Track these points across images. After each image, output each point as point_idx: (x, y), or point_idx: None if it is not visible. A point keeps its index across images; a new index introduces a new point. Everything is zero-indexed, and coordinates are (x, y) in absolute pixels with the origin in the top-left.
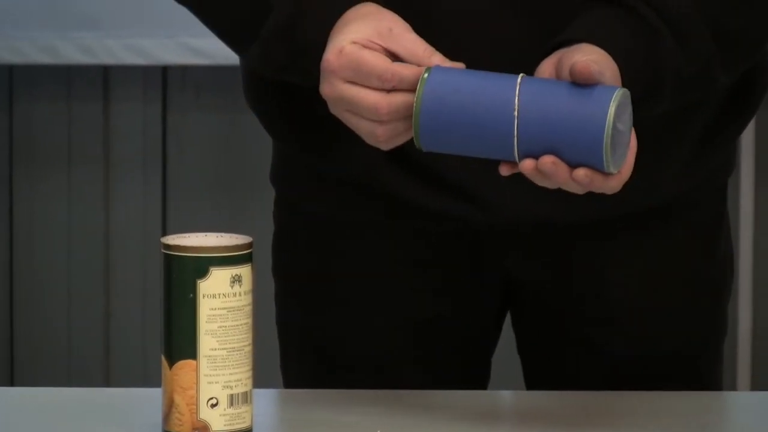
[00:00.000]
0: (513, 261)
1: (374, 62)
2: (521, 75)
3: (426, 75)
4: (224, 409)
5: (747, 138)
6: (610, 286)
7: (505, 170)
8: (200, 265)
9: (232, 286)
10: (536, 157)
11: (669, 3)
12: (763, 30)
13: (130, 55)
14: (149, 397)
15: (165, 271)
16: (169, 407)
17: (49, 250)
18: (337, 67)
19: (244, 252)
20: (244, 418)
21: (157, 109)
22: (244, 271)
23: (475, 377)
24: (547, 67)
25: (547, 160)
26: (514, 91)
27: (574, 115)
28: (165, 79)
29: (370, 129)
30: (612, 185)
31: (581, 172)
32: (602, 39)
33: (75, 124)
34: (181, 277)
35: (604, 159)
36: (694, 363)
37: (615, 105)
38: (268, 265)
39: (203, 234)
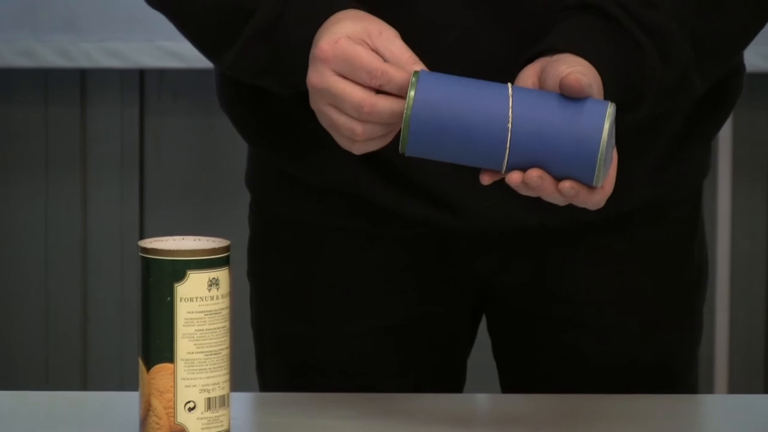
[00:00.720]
0: (488, 265)
1: (366, 57)
2: (510, 85)
3: (415, 79)
4: (201, 413)
5: (724, 141)
6: (585, 290)
7: (487, 179)
8: (177, 268)
9: (209, 290)
10: (522, 168)
11: (649, 12)
12: (739, 37)
13: (107, 58)
14: (126, 401)
15: (142, 275)
16: (146, 411)
17: (26, 253)
18: (331, 57)
19: (222, 255)
20: (221, 421)
21: (135, 113)
22: (222, 274)
23: (451, 380)
24: (529, 75)
25: (534, 174)
26: (507, 103)
27: (567, 131)
28: (142, 82)
29: (348, 126)
30: (596, 200)
31: (567, 185)
32: (584, 49)
33: (52, 128)
34: (159, 280)
35: (595, 175)
36: (669, 366)
37: (609, 123)
38: (245, 268)
39: (180, 237)
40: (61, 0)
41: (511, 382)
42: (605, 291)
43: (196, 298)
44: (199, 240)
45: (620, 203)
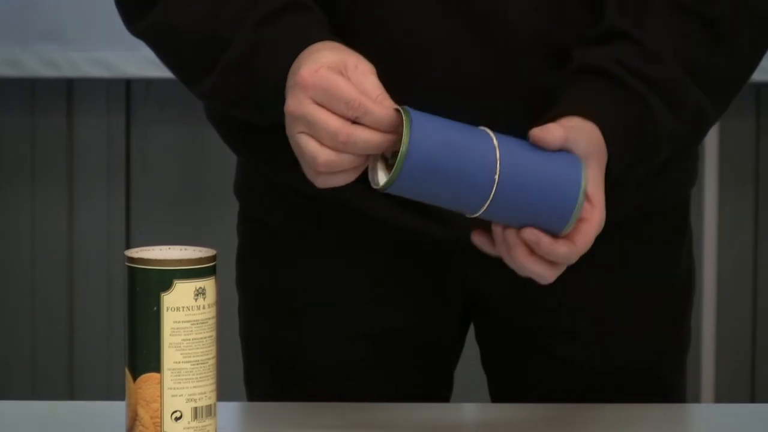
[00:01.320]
0: (475, 274)
1: (345, 88)
2: (494, 136)
3: (407, 119)
4: (188, 422)
5: (710, 150)
6: (572, 299)
7: (478, 238)
8: (164, 277)
9: (196, 299)
10: (492, 216)
11: (650, 67)
12: (748, 68)
13: (93, 67)
14: (113, 410)
15: (129, 284)
16: (133, 420)
17: (13, 263)
18: (310, 85)
19: (208, 265)
20: (208, 431)
21: (121, 122)
22: (208, 283)
23: (438, 390)
24: None
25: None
26: (495, 154)
27: (548, 190)
28: (128, 91)
29: (313, 153)
30: (563, 251)
31: (528, 231)
32: (590, 113)
33: (38, 137)
34: (145, 289)
35: (566, 226)
36: (657, 374)
37: (584, 183)
38: (232, 278)
39: (167, 247)
40: (47, 10)
41: (500, 391)
42: (593, 299)
43: (183, 307)
44: (186, 249)
45: (610, 213)
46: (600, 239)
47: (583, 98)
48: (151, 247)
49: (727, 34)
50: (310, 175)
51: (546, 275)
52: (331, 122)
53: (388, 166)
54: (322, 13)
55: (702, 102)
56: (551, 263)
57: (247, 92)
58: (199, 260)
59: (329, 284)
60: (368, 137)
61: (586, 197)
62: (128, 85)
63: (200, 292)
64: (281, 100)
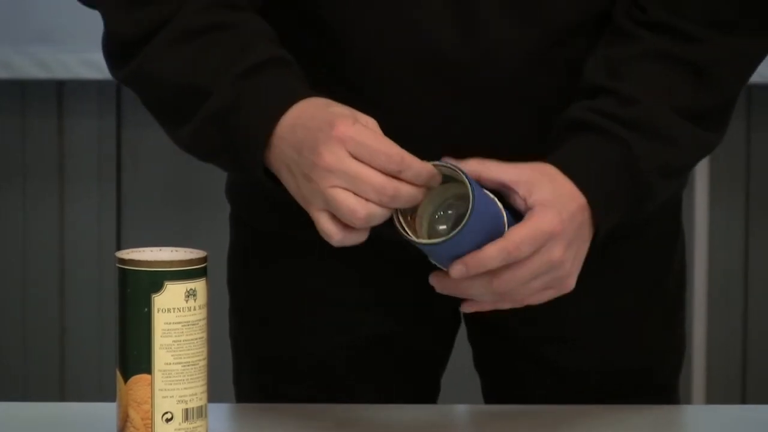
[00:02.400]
0: None
1: (385, 141)
2: (503, 210)
3: (466, 177)
4: (179, 424)
5: None
6: (565, 302)
7: (468, 307)
8: (155, 279)
9: (186, 300)
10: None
11: (627, 109)
12: (736, 94)
13: (84, 69)
14: (104, 412)
15: (120, 285)
16: (123, 422)
17: (4, 264)
18: (348, 138)
19: (199, 266)
20: None
21: (112, 124)
22: (199, 285)
23: (425, 396)
24: None
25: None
26: (498, 204)
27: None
28: (119, 93)
29: (354, 207)
30: (489, 254)
31: (452, 268)
32: (577, 176)
33: (29, 139)
34: (136, 291)
35: None
36: (653, 377)
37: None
38: (224, 279)
39: (158, 248)
40: (38, 11)
41: (493, 393)
42: (587, 302)
43: (174, 308)
44: (177, 251)
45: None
46: (593, 242)
47: (569, 157)
48: (141, 249)
49: (714, 77)
50: (328, 230)
51: (494, 286)
52: (377, 178)
53: (404, 221)
54: (300, 69)
55: (696, 131)
56: (501, 269)
57: (226, 145)
58: (190, 261)
59: (319, 289)
60: (411, 191)
61: (530, 206)
62: (119, 86)
63: (191, 294)
64: (260, 154)
